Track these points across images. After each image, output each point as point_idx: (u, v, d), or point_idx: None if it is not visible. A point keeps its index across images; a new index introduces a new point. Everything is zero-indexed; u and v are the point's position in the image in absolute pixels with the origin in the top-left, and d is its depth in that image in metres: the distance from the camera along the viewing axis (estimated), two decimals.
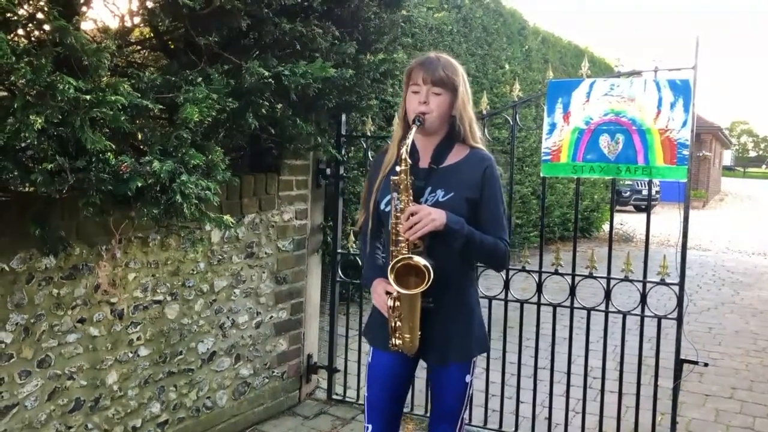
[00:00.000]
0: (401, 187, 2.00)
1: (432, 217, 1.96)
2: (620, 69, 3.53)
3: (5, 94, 2.05)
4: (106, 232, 2.66)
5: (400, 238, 2.01)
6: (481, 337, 2.22)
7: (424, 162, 2.15)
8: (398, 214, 2.02)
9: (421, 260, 1.97)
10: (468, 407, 2.24)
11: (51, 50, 1.94)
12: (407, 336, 2.07)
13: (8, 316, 2.40)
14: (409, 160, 2.00)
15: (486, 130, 3.62)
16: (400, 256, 2.00)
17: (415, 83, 2.10)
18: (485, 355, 3.60)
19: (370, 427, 2.24)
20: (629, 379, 3.42)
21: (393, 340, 2.11)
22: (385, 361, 2.21)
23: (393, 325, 2.09)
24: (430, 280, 1.94)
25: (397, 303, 2.05)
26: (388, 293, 2.07)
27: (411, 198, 2.01)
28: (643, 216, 11.77)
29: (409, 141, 2.01)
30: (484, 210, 2.12)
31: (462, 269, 2.16)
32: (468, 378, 2.19)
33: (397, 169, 2.01)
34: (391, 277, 1.98)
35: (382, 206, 2.16)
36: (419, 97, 2.08)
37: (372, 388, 2.25)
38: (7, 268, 2.37)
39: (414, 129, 2.04)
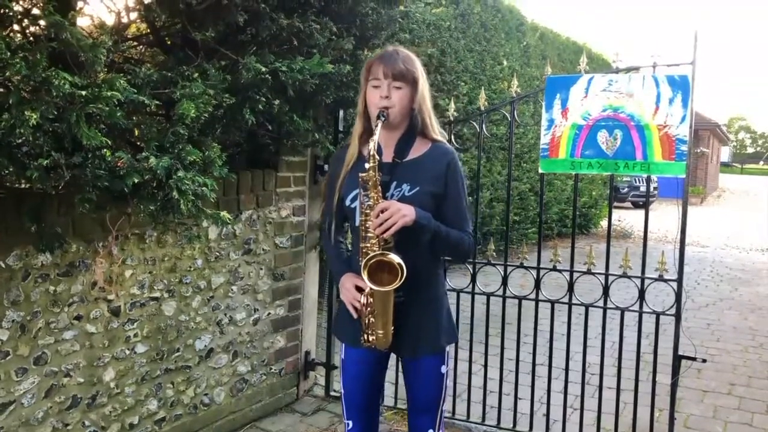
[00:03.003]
0: (370, 183, 2.00)
1: (402, 212, 1.97)
2: (618, 65, 3.52)
3: (0, 90, 2.04)
4: (102, 229, 2.65)
5: (370, 234, 2.01)
6: (449, 327, 2.24)
7: (387, 156, 2.15)
8: (367, 211, 2.02)
9: (395, 257, 1.97)
10: (445, 398, 2.24)
11: (46, 45, 1.92)
12: (380, 332, 2.07)
13: (4, 314, 2.39)
14: (377, 157, 2.00)
15: (484, 126, 3.63)
16: (372, 253, 1.99)
17: (376, 77, 2.09)
18: (483, 350, 3.62)
19: (350, 423, 2.26)
20: (627, 375, 3.43)
21: (366, 336, 2.11)
22: (357, 357, 2.22)
23: (366, 321, 2.09)
24: (403, 276, 1.95)
25: (371, 299, 2.05)
26: (359, 289, 2.08)
27: (380, 195, 2.02)
28: (640, 212, 11.80)
29: (376, 137, 2.00)
30: (449, 203, 2.14)
31: (430, 263, 2.18)
32: (443, 369, 2.20)
33: (366, 166, 2.01)
34: (364, 274, 1.97)
35: (348, 202, 2.17)
36: (380, 91, 2.08)
37: (347, 385, 2.25)
38: (2, 265, 2.36)
39: (380, 124, 2.04)
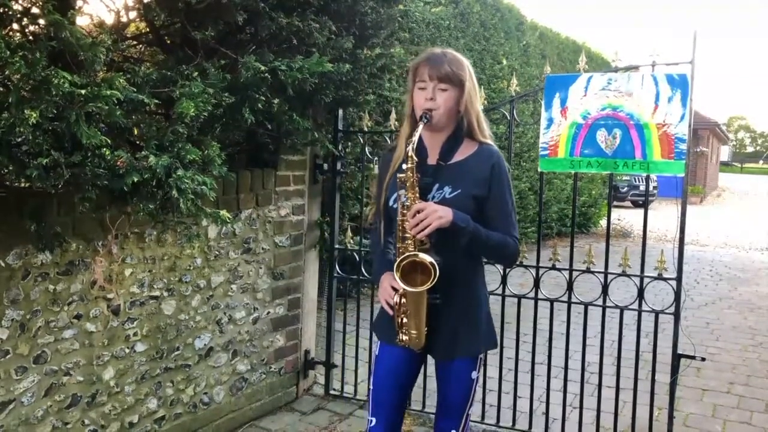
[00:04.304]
0: (407, 184, 2.01)
1: (438, 214, 1.96)
2: (617, 64, 3.53)
3: (0, 88, 2.04)
4: (102, 228, 2.65)
5: (407, 235, 2.02)
6: (488, 332, 2.22)
7: (432, 158, 2.15)
8: (404, 211, 2.02)
9: (426, 257, 1.97)
10: (472, 403, 2.24)
11: (46, 45, 1.93)
12: (414, 332, 2.08)
13: (4, 312, 2.39)
14: (415, 158, 2.00)
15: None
16: (406, 254, 2.00)
17: (422, 79, 2.09)
18: None
19: (373, 420, 2.23)
20: (626, 374, 3.43)
21: (400, 335, 2.12)
22: (392, 355, 2.22)
23: (399, 321, 2.10)
24: (436, 277, 1.95)
25: (403, 300, 2.05)
26: (394, 289, 2.08)
27: (417, 195, 2.01)
28: (640, 211, 11.80)
29: (415, 138, 2.00)
30: (493, 206, 2.13)
31: (469, 265, 2.16)
32: (474, 374, 2.19)
33: (404, 166, 2.02)
34: (396, 275, 1.98)
35: (390, 203, 2.17)
36: (426, 93, 2.07)
37: (377, 382, 2.24)
38: (2, 264, 2.36)
39: (421, 126, 2.04)
